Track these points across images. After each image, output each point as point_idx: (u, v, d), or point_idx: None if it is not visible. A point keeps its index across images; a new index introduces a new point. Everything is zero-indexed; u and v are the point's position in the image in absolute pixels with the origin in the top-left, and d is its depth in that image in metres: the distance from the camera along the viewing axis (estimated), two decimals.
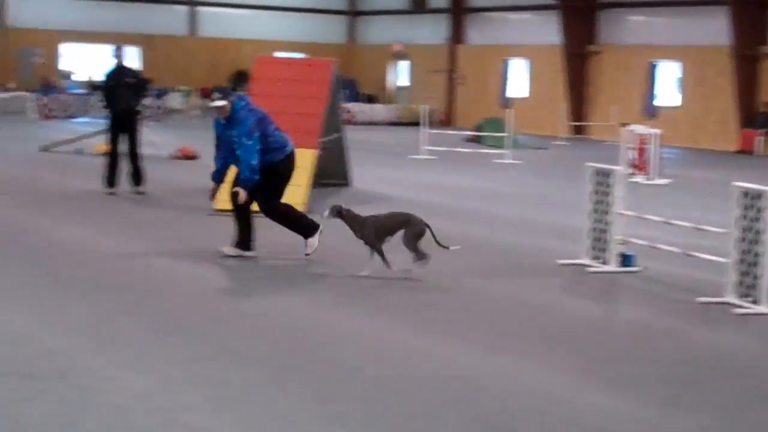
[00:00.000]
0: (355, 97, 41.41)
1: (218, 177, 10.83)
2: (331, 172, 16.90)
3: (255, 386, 6.24)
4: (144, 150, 16.32)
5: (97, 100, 38.14)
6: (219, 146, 10.96)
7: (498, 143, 26.03)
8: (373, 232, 9.73)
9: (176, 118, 34.50)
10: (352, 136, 19.27)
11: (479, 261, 10.88)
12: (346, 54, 42.91)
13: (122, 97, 15.51)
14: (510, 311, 8.65)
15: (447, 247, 9.94)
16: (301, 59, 31.79)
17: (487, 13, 40.02)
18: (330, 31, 45.37)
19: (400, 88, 43.38)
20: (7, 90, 38.01)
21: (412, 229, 9.69)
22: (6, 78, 39.48)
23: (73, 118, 36.35)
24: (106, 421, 5.48)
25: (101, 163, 16.15)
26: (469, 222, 13.80)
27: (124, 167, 15.72)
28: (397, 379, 6.44)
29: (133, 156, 15.74)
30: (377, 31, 44.71)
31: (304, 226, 10.72)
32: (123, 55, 16.04)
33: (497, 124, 28.13)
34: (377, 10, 44.64)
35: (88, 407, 5.67)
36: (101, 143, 22.27)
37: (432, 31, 41.60)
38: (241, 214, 10.68)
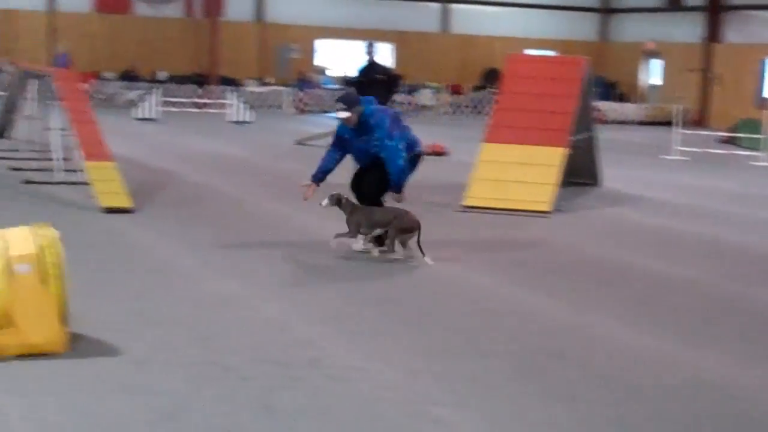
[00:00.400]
0: (607, 96, 40.72)
1: (319, 178, 10.52)
2: (581, 172, 16.67)
3: (499, 382, 6.22)
4: None
5: None
6: (335, 147, 10.57)
7: (754, 145, 25.03)
8: (357, 221, 9.95)
9: (426, 114, 34.90)
10: (602, 135, 18.96)
11: (736, 267, 10.50)
12: (598, 52, 42.23)
13: (372, 92, 15.83)
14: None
15: (423, 255, 9.85)
16: (552, 57, 31.52)
17: (745, 12, 38.54)
18: (581, 28, 44.76)
19: (652, 87, 42.37)
20: (265, 84, 39.48)
21: (398, 223, 9.85)
22: (264, 73, 40.95)
23: (326, 112, 37.40)
24: (356, 410, 5.59)
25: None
26: (720, 224, 13.33)
27: None
28: (649, 386, 6.27)
29: None
30: (630, 29, 43.81)
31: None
32: (375, 51, 16.33)
33: (754, 126, 27.04)
34: (631, 7, 43.73)
35: (339, 396, 5.80)
36: None
37: (687, 29, 40.41)
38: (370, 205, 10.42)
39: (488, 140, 14.53)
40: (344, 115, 10.25)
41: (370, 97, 10.64)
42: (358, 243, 10.14)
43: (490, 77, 40.83)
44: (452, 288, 9.05)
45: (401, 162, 10.17)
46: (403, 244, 10.00)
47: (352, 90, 10.45)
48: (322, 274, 9.41)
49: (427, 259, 9.84)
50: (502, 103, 15.02)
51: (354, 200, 10.38)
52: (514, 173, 14.01)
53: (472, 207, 13.81)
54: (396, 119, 10.44)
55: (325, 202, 10.16)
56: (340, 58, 43.12)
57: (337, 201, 10.12)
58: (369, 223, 10.04)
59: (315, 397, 5.75)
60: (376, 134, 10.17)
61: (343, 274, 9.41)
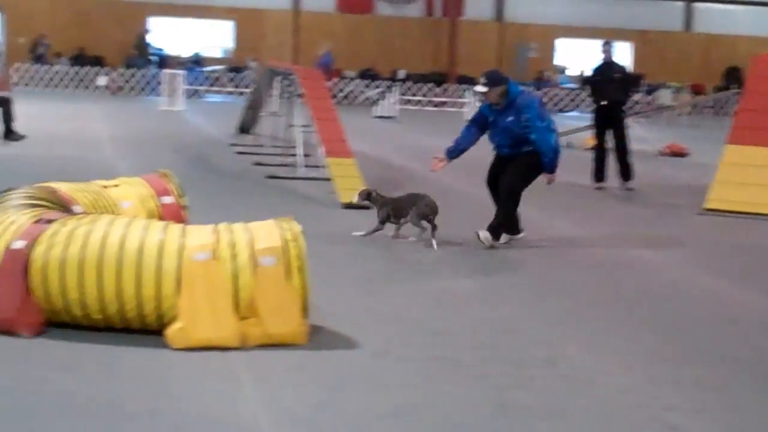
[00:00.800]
0: None
1: (453, 154, 10.43)
2: None
3: (741, 391, 6.02)
4: (632, 145, 16.30)
5: (586, 95, 38.70)
6: (473, 124, 10.43)
7: None
8: (386, 211, 10.35)
9: (665, 114, 34.08)
10: None
11: None
12: None
13: (608, 91, 15.61)
14: None
15: (433, 240, 10.04)
16: None
17: None
18: None
19: None
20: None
21: (417, 208, 10.19)
22: (501, 71, 41.00)
23: (563, 111, 37.08)
24: (592, 412, 5.52)
25: (590, 157, 16.33)
26: None
27: (612, 163, 15.78)
28: None
29: (621, 151, 15.75)
30: None
31: (511, 224, 10.42)
32: (612, 50, 16.08)
33: None
34: None
35: (574, 397, 5.74)
36: (590, 137, 22.56)
37: None
38: (516, 203, 10.32)
39: (732, 142, 14.04)
40: (481, 89, 10.17)
41: (516, 82, 10.48)
42: (361, 232, 10.61)
43: (731, 77, 39.50)
44: (689, 292, 8.80)
45: (553, 143, 10.03)
46: (418, 225, 10.29)
47: (498, 72, 10.34)
48: (553, 273, 9.33)
49: (434, 243, 10.05)
50: (748, 103, 14.50)
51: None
52: (760, 176, 13.50)
53: (714, 210, 13.39)
54: (542, 105, 10.35)
55: (355, 198, 10.80)
56: (579, 58, 42.67)
57: (367, 196, 10.62)
58: (399, 211, 10.36)
59: (550, 398, 5.71)
60: (526, 115, 10.01)
61: (572, 275, 9.31)
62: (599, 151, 15.88)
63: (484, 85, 10.09)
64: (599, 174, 15.81)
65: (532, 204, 13.66)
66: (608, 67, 15.82)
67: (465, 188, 14.99)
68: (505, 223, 10.34)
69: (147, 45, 37.63)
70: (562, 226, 12.11)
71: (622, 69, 16.09)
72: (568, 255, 10.31)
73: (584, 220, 12.65)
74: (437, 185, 15.29)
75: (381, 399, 5.56)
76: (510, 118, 10.08)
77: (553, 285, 8.83)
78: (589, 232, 11.73)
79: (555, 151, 10.08)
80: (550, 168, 10.17)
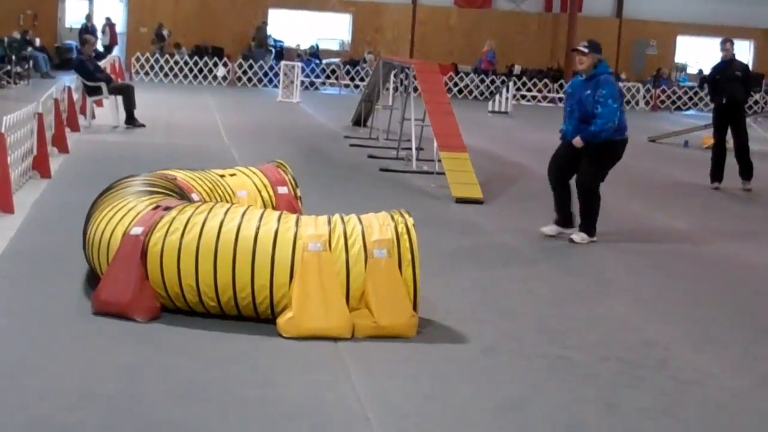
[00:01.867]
0: None
1: (567, 138, 10.40)
2: None
3: None
4: (753, 145, 15.95)
5: (704, 93, 38.02)
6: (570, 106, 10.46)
7: None
8: None
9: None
10: None
11: None
12: None
13: (729, 90, 15.32)
14: None
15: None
16: None
17: None
18: None
19: None
20: (620, 80, 38.97)
21: None
22: (620, 68, 40.44)
23: (681, 110, 36.46)
24: (703, 415, 5.43)
25: (708, 156, 16.04)
26: None
27: (731, 162, 15.47)
28: None
29: (741, 150, 15.44)
30: None
31: (593, 222, 10.36)
32: (732, 48, 15.77)
33: None
34: None
35: (684, 399, 5.66)
36: (709, 136, 22.17)
37: None
38: (596, 199, 10.30)
39: None
40: (582, 49, 10.27)
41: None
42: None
43: None
44: None
45: (611, 124, 10.07)
46: None
47: (599, 44, 10.44)
48: (664, 272, 9.19)
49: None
50: None
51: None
52: None
53: None
54: (621, 94, 10.42)
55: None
56: (699, 56, 41.90)
57: None
58: None
59: (660, 399, 5.64)
60: (603, 90, 10.09)
61: (685, 275, 9.15)
62: (718, 151, 15.59)
63: (585, 47, 10.30)
64: (717, 173, 15.51)
65: (642, 199, 13.48)
66: (729, 65, 15.52)
67: None
68: (593, 218, 10.37)
69: (266, 37, 38.08)
70: (675, 224, 11.92)
71: (743, 67, 15.76)
72: (680, 254, 10.15)
73: (699, 219, 12.42)
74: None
75: (488, 393, 5.56)
76: (588, 92, 10.20)
77: (666, 285, 8.70)
78: (702, 231, 11.52)
79: (605, 130, 10.10)
80: (589, 134, 10.16)
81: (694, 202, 14.14)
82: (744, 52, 42.12)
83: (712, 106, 15.95)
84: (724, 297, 8.41)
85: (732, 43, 15.87)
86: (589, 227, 10.35)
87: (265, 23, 37.99)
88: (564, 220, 10.57)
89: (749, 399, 5.75)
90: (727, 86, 15.38)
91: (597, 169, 10.30)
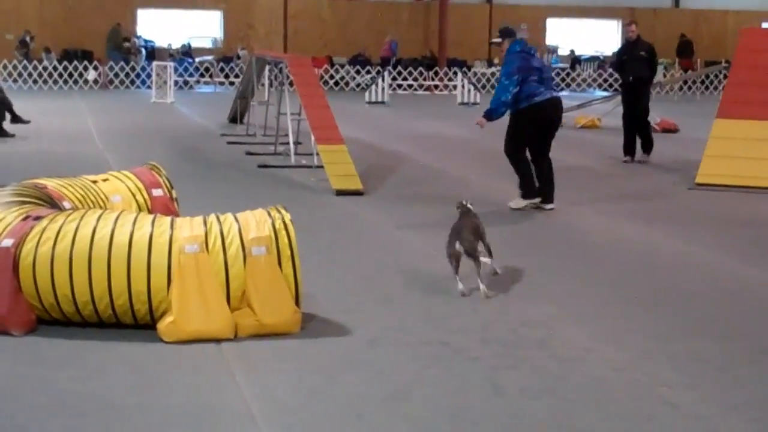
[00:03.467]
0: None
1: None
2: None
3: (734, 364, 6.03)
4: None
5: (608, 74, 38.77)
6: None
7: None
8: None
9: (656, 90, 34.04)
10: None
11: None
12: None
13: (634, 69, 16.26)
14: None
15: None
16: None
17: None
18: None
19: None
20: (493, 65, 39.36)
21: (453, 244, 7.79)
22: (492, 54, 40.91)
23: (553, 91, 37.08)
24: (585, 391, 5.52)
25: (583, 136, 16.39)
26: None
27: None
28: None
29: (644, 125, 16.41)
30: None
31: (526, 185, 11.41)
32: (636, 29, 16.73)
33: None
34: None
35: (567, 377, 5.75)
36: (583, 116, 22.60)
37: None
38: (519, 163, 11.34)
39: (721, 116, 14.05)
40: (496, 40, 11.46)
41: (522, 42, 11.50)
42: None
43: (684, 49, 39.66)
44: (682, 268, 8.82)
45: (503, 98, 11.04)
46: None
47: (509, 29, 11.68)
48: (546, 252, 9.33)
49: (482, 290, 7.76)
50: (736, 77, 14.49)
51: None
52: (749, 150, 13.51)
53: (705, 185, 13.41)
54: (524, 69, 11.08)
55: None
56: (569, 38, 42.69)
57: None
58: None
59: (543, 378, 5.72)
60: (501, 69, 11.31)
61: (564, 254, 9.31)
62: (628, 127, 16.40)
63: (497, 38, 11.42)
64: (629, 148, 16.40)
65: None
66: (634, 45, 16.57)
67: (447, 168, 15.01)
68: (522, 181, 11.44)
69: (122, 38, 37.12)
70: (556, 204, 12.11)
71: (648, 47, 16.60)
72: (558, 232, 10.31)
73: (579, 197, 12.64)
74: (429, 168, 15.30)
75: (375, 385, 5.57)
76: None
77: (545, 265, 8.83)
78: (583, 209, 11.72)
79: (498, 104, 11.13)
80: (486, 113, 11.27)
81: (571, 182, 14.37)
82: (612, 31, 43.07)
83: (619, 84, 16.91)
84: (601, 273, 8.56)
85: (636, 25, 16.85)
86: (521, 190, 11.43)
87: (119, 24, 37.07)
88: (526, 192, 11.46)
89: (629, 372, 5.87)
90: (634, 65, 16.22)
91: (510, 137, 11.40)
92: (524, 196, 11.46)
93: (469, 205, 8.11)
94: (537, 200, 11.43)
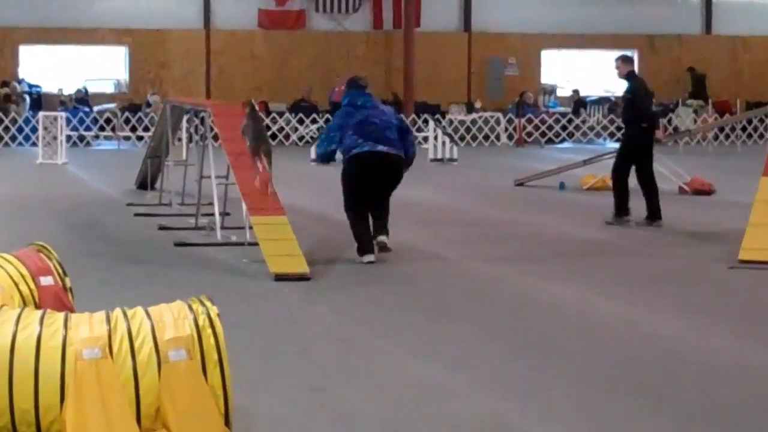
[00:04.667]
0: None
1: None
2: None
3: None
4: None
5: (592, 119, 39.00)
6: None
7: None
8: None
9: (685, 140, 34.31)
10: None
11: None
12: None
13: (648, 110, 17.07)
14: None
15: None
16: None
17: None
18: None
19: None
20: (473, 110, 39.69)
21: None
22: (473, 96, 41.23)
23: (553, 143, 37.35)
24: None
25: (589, 200, 16.56)
26: None
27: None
28: None
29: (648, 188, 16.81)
30: None
31: (358, 242, 13.72)
32: (622, 65, 16.95)
33: None
34: None
35: None
36: (590, 176, 22.78)
37: None
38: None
39: None
40: (336, 90, 14.54)
41: (358, 97, 14.14)
42: None
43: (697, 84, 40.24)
44: (721, 373, 8.88)
45: (319, 150, 14.78)
46: None
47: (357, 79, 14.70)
48: (546, 353, 9.40)
49: None
50: None
51: None
52: None
53: (750, 262, 13.46)
54: (343, 127, 13.91)
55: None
56: (571, 74, 42.99)
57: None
58: None
59: None
60: None
61: (587, 358, 9.38)
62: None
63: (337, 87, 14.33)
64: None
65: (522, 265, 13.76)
66: (643, 82, 17.30)
67: (416, 242, 15.09)
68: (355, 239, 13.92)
69: None
70: (542, 286, 12.19)
71: (631, 85, 17.13)
72: (574, 327, 10.38)
73: (594, 281, 12.72)
74: (393, 242, 15.39)
75: None
76: None
77: (542, 371, 8.89)
78: (599, 298, 11.80)
79: (316, 155, 15.46)
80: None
81: (587, 261, 14.48)
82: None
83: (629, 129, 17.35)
84: (627, 383, 8.63)
85: (624, 60, 17.52)
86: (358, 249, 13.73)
87: None
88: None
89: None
90: (643, 105, 17.06)
91: (343, 191, 14.25)
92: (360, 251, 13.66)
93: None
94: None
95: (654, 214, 16.68)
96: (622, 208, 16.79)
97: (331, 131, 14.35)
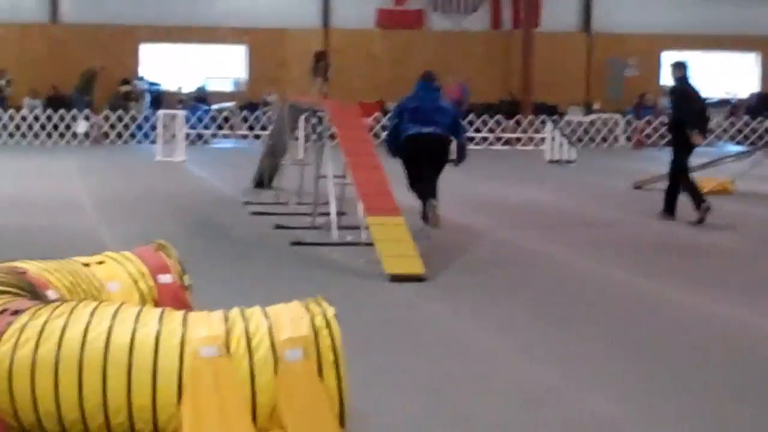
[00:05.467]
0: None
1: None
2: None
3: None
4: None
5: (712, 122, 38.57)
6: None
7: None
8: None
9: None
10: None
11: None
12: None
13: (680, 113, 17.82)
14: None
15: None
16: None
17: None
18: None
19: None
20: (592, 112, 39.43)
21: None
22: (592, 97, 40.97)
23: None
24: None
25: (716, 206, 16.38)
26: None
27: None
28: None
29: (670, 183, 18.27)
30: None
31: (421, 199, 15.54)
32: (675, 70, 18.42)
33: None
34: None
35: None
36: (709, 179, 22.49)
37: None
38: None
39: None
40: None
41: (424, 88, 16.18)
42: None
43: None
44: None
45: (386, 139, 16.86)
46: None
47: None
48: (661, 360, 9.30)
49: None
50: None
51: None
52: None
53: None
54: (402, 112, 15.78)
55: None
56: (692, 75, 42.56)
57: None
58: None
59: None
60: None
61: (681, 360, 9.28)
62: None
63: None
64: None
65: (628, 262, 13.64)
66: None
67: (533, 245, 15.02)
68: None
69: (91, 80, 37.38)
70: (663, 292, 12.07)
71: (674, 88, 18.65)
72: (675, 334, 10.29)
73: (722, 292, 12.59)
74: (509, 245, 15.30)
75: None
76: None
77: (658, 377, 8.81)
78: (741, 309, 11.68)
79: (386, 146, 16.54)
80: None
81: (710, 269, 14.32)
82: (748, 67, 42.93)
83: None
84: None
85: (678, 66, 18.66)
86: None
87: (102, 68, 37.29)
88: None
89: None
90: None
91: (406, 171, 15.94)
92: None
93: None
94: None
95: (668, 209, 18.13)
96: (698, 201, 17.74)
97: (391, 120, 16.42)
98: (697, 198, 17.69)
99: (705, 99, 19.35)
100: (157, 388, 6.32)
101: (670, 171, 18.31)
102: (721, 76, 43.12)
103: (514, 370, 8.89)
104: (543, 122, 34.34)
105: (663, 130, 37.18)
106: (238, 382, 6.35)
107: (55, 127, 35.09)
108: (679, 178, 18.02)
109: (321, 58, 31.19)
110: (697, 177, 22.31)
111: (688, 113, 17.95)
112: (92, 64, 37.07)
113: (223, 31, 40.27)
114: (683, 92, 18.15)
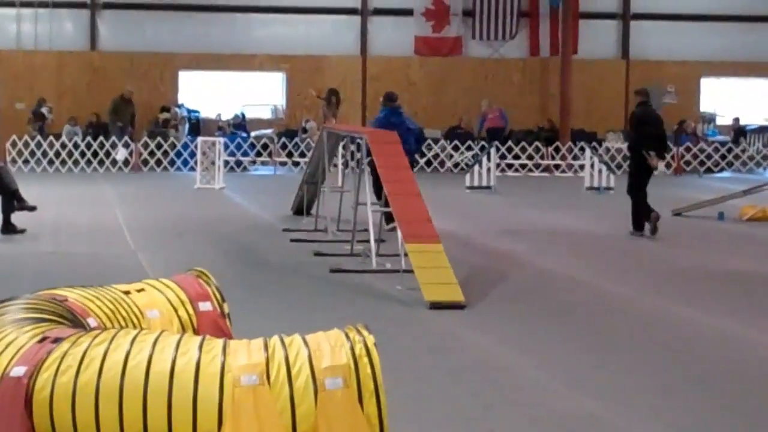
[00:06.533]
0: None
1: None
2: None
3: None
4: None
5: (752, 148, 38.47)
6: None
7: None
8: None
9: None
10: None
11: None
12: None
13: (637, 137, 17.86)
14: None
15: None
16: None
17: None
18: None
19: None
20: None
21: None
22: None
23: (712, 172, 36.81)
24: None
25: (748, 231, 16.28)
26: None
27: None
28: None
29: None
30: None
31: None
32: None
33: None
34: None
35: None
36: (750, 206, 22.40)
37: None
38: None
39: None
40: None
41: (388, 110, 19.04)
42: None
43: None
44: None
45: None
46: None
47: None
48: (707, 389, 9.24)
49: None
50: None
51: None
52: None
53: None
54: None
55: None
56: (731, 102, 42.41)
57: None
58: None
59: None
60: None
61: (719, 389, 9.22)
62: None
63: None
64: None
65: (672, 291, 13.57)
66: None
67: (573, 273, 14.97)
68: None
69: (125, 106, 37.40)
70: (707, 320, 12.01)
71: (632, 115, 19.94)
72: (712, 365, 10.22)
73: (747, 308, 12.52)
74: (549, 273, 15.26)
75: None
76: None
77: (697, 403, 8.74)
78: None
79: None
80: None
81: (749, 297, 14.25)
82: None
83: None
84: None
85: (639, 93, 20.32)
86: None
87: (130, 92, 37.31)
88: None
89: None
90: None
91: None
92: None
93: None
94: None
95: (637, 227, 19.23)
96: (636, 224, 19.20)
97: None
98: (637, 221, 19.14)
99: (662, 123, 20.62)
100: (198, 417, 6.32)
101: (628, 190, 19.55)
102: (762, 102, 42.92)
103: (556, 399, 8.86)
104: (582, 149, 34.24)
105: (702, 157, 37.15)
106: (278, 411, 6.34)
107: (95, 154, 35.25)
108: (637, 197, 19.17)
109: (333, 94, 32.60)
110: (739, 203, 22.33)
111: (647, 137, 19.02)
112: (123, 90, 37.20)
113: (260, 58, 40.39)
114: (642, 117, 19.32)
